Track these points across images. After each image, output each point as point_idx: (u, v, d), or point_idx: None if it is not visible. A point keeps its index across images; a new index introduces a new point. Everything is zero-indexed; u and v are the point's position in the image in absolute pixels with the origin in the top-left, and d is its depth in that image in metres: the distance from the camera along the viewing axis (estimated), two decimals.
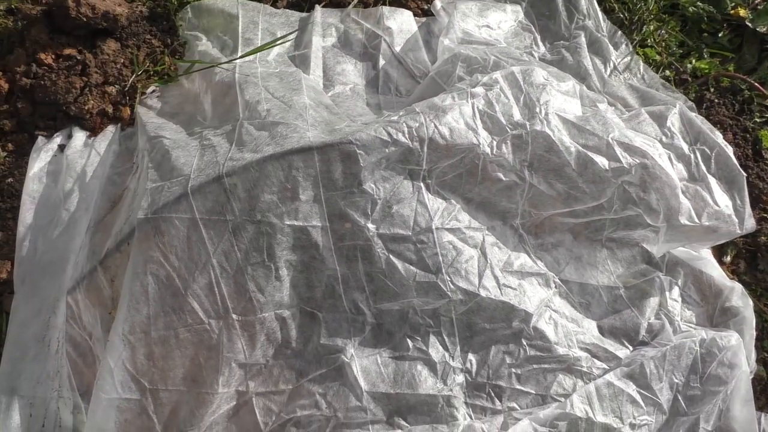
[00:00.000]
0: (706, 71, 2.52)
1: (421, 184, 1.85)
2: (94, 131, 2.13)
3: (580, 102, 2.06)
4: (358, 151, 1.77)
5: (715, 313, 2.09)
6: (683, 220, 1.99)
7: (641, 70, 2.42)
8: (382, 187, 1.81)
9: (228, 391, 1.77)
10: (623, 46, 2.46)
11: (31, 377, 1.85)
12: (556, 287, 1.97)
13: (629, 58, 2.42)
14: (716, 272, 2.11)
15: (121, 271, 1.77)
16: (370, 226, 1.80)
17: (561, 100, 2.01)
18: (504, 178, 1.91)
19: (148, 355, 1.72)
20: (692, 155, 2.08)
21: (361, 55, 2.37)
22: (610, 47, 2.43)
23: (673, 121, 2.11)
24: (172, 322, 1.72)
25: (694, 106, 2.30)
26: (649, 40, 2.58)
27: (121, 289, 1.74)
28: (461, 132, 1.87)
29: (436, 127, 1.84)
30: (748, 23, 2.64)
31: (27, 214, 1.99)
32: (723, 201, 2.06)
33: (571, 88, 2.07)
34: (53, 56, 2.16)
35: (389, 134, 1.81)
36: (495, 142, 1.89)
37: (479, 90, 1.96)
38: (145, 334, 1.71)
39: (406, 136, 1.82)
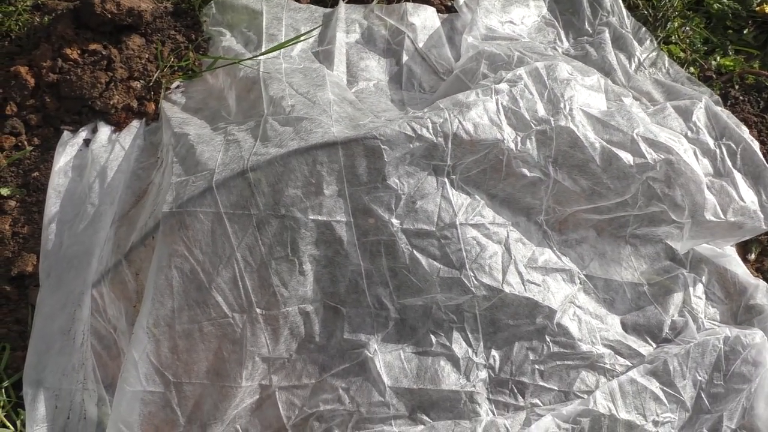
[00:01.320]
0: (731, 68, 2.51)
1: (446, 180, 1.85)
2: (119, 126, 2.14)
3: (605, 96, 2.06)
4: (382, 146, 1.78)
5: (739, 310, 2.08)
6: (708, 216, 1.98)
7: (666, 65, 2.41)
8: (407, 183, 1.81)
9: (251, 384, 1.77)
10: (648, 41, 2.45)
11: (56, 370, 1.87)
12: (580, 283, 1.97)
13: (654, 53, 2.41)
14: (740, 270, 2.10)
15: (146, 264, 1.78)
16: (394, 221, 1.80)
17: (585, 95, 2.00)
18: (528, 174, 1.90)
19: (173, 348, 1.73)
20: (718, 150, 2.07)
21: (385, 51, 2.37)
22: (635, 43, 2.42)
23: (699, 115, 2.10)
24: (196, 315, 1.73)
25: (720, 100, 2.29)
26: (673, 37, 2.57)
27: (146, 282, 1.75)
28: (485, 128, 1.86)
29: (460, 122, 1.84)
30: None
31: (52, 208, 2.01)
32: (749, 197, 2.05)
33: (595, 82, 2.06)
34: (79, 51, 2.17)
35: (413, 129, 1.81)
36: (519, 138, 1.89)
37: (503, 86, 1.95)
38: (169, 328, 1.72)
39: (431, 131, 1.82)
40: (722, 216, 2.00)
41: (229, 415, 1.77)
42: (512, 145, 1.88)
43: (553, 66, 2.03)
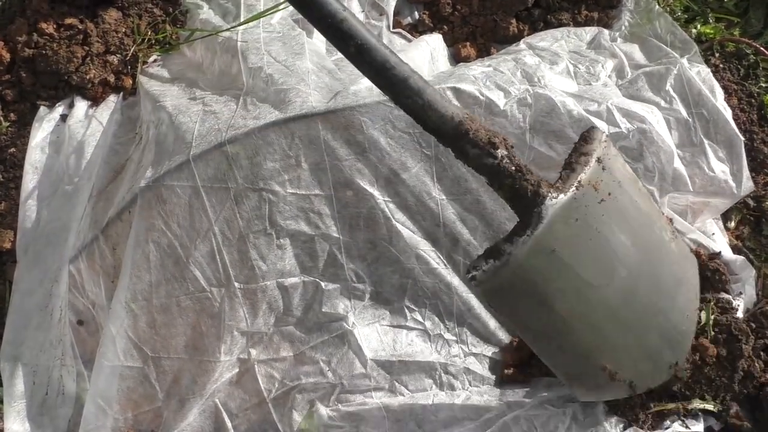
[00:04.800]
0: (712, 36, 2.49)
1: (431, 152, 1.83)
2: (95, 101, 2.12)
3: (575, 81, 2.04)
4: (362, 117, 1.76)
5: None
6: (678, 186, 1.97)
7: (660, 19, 2.35)
8: (388, 155, 1.80)
9: (230, 359, 1.78)
10: None
11: (34, 345, 1.87)
12: None
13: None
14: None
15: (123, 239, 1.78)
16: (376, 193, 1.79)
17: (555, 78, 1.99)
18: None
19: (150, 323, 1.73)
20: (691, 119, 2.04)
21: (365, 22, 2.35)
22: None
23: (673, 83, 2.08)
24: (174, 290, 1.73)
25: (700, 56, 2.22)
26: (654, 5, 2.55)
27: (123, 257, 1.74)
28: (465, 91, 1.84)
29: (439, 87, 1.82)
30: None
31: (30, 184, 2.00)
32: (719, 167, 2.02)
33: (564, 68, 2.05)
34: (54, 26, 2.14)
35: None
36: (501, 102, 1.87)
37: (476, 68, 1.96)
38: (147, 302, 1.72)
39: None
40: (690, 188, 1.99)
41: (208, 390, 1.77)
42: (492, 107, 1.86)
43: (519, 56, 2.04)
